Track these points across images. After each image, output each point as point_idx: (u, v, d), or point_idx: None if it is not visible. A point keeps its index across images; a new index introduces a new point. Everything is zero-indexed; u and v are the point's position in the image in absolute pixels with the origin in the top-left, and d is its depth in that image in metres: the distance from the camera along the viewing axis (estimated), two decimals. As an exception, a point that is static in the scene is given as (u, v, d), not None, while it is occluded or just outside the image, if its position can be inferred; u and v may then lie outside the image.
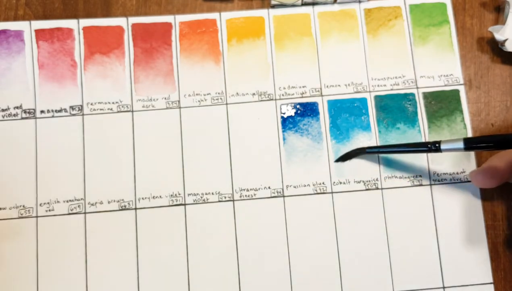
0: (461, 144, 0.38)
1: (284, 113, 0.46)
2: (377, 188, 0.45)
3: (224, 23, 0.47)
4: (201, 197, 0.44)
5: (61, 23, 0.47)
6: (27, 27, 0.47)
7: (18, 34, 0.47)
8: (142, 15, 0.48)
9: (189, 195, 0.44)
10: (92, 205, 0.44)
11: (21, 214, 0.43)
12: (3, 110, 0.45)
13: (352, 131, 0.46)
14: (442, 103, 0.46)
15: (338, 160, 0.44)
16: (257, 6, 0.48)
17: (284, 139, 0.45)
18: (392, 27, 0.48)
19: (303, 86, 0.46)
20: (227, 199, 0.44)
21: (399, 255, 0.43)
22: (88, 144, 0.45)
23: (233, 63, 0.47)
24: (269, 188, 0.44)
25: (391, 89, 0.46)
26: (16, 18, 0.47)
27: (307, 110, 0.46)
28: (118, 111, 0.46)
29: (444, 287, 0.43)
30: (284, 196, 0.44)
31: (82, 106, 0.46)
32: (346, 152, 0.44)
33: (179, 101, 0.46)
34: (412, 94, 0.46)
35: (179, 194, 0.44)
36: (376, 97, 0.46)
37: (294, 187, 0.44)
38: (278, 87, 0.46)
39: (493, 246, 0.43)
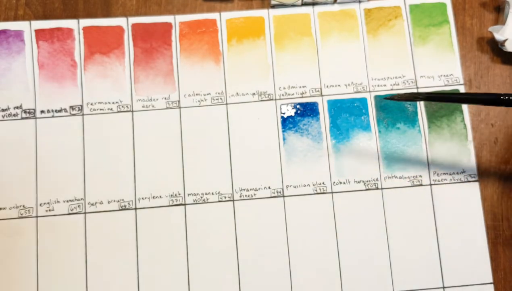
0: None
1: (284, 113, 0.46)
2: (377, 188, 0.45)
3: (224, 23, 0.47)
4: (201, 197, 0.44)
5: (61, 23, 0.47)
6: (27, 27, 0.47)
7: (18, 34, 0.47)
8: (142, 15, 0.48)
9: (189, 195, 0.44)
10: (92, 205, 0.44)
11: (21, 214, 0.43)
12: (3, 110, 0.45)
13: (352, 131, 0.46)
14: (442, 103, 0.46)
15: (387, 98, 0.40)
16: (257, 6, 0.48)
17: (284, 139, 0.45)
18: (392, 27, 0.48)
19: (303, 86, 0.46)
20: (227, 199, 0.44)
21: (399, 255, 0.43)
22: (88, 144, 0.45)
23: (233, 63, 0.47)
24: (269, 188, 0.44)
25: (391, 89, 0.46)
26: (16, 18, 0.47)
27: (307, 110, 0.46)
28: (118, 111, 0.46)
29: (444, 287, 0.43)
30: (284, 196, 0.44)
31: (82, 106, 0.46)
32: (399, 93, 0.39)
33: (179, 101, 0.46)
34: (412, 94, 0.46)
35: (179, 194, 0.44)
36: (376, 97, 0.46)
37: (294, 187, 0.44)
38: (278, 87, 0.46)
39: (493, 246, 0.43)
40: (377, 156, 0.45)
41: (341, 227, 0.44)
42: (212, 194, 0.44)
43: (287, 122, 0.46)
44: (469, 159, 0.45)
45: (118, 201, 0.44)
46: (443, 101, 0.43)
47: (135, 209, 0.44)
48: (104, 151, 0.45)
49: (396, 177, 0.45)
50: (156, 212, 0.44)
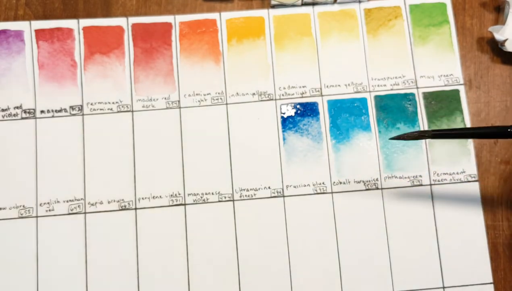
0: None
1: (284, 113, 0.46)
2: (377, 188, 0.45)
3: (224, 23, 0.47)
4: (201, 197, 0.44)
5: (61, 23, 0.47)
6: (27, 27, 0.47)
7: (18, 34, 0.47)
8: (142, 15, 0.48)
9: (189, 195, 0.44)
10: (92, 205, 0.44)
11: (21, 214, 0.43)
12: (3, 110, 0.45)
13: (352, 131, 0.46)
14: (442, 103, 0.46)
15: (394, 138, 0.39)
16: (257, 6, 0.48)
17: (284, 139, 0.45)
18: (392, 27, 0.48)
19: (303, 86, 0.46)
20: (227, 199, 0.44)
21: (399, 255, 0.43)
22: (88, 144, 0.45)
23: (233, 63, 0.47)
24: (269, 188, 0.44)
25: (391, 89, 0.46)
26: (16, 18, 0.47)
27: (307, 110, 0.46)
28: (118, 111, 0.46)
29: (444, 287, 0.43)
30: (284, 196, 0.44)
31: (82, 106, 0.46)
32: (406, 133, 0.39)
33: (179, 101, 0.46)
34: (412, 94, 0.46)
35: (179, 194, 0.44)
36: (376, 97, 0.46)
37: (294, 187, 0.44)
38: (278, 87, 0.46)
39: (493, 246, 0.43)
40: (377, 156, 0.45)
41: (341, 227, 0.44)
42: (212, 194, 0.44)
43: (287, 122, 0.46)
44: (469, 159, 0.45)
45: (118, 201, 0.44)
46: (450, 138, 0.41)
47: (135, 209, 0.44)
48: (104, 151, 0.45)
49: (396, 177, 0.45)
50: (156, 212, 0.44)
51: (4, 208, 0.43)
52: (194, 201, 0.44)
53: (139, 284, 0.43)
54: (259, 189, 0.44)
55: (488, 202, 0.44)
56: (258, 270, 0.43)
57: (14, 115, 0.45)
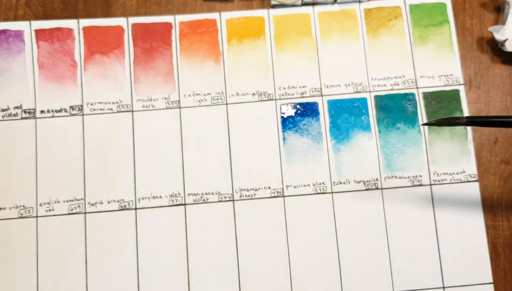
0: None
1: (284, 113, 0.46)
2: (377, 188, 0.45)
3: (224, 23, 0.47)
4: (201, 197, 0.44)
5: (61, 23, 0.47)
6: (27, 27, 0.47)
7: (18, 34, 0.47)
8: (142, 15, 0.48)
9: (189, 195, 0.44)
10: (92, 205, 0.44)
11: (21, 214, 0.43)
12: (3, 110, 0.45)
13: (352, 131, 0.46)
14: (442, 103, 0.46)
15: (427, 124, 0.38)
16: (257, 6, 0.48)
17: (284, 139, 0.45)
18: (392, 27, 0.48)
19: (303, 86, 0.46)
20: (227, 199, 0.44)
21: (399, 255, 0.43)
22: (88, 144, 0.45)
23: (233, 63, 0.47)
24: (269, 188, 0.44)
25: (391, 89, 0.46)
26: (16, 18, 0.47)
27: (307, 110, 0.46)
28: (118, 111, 0.46)
29: (444, 287, 0.43)
30: (284, 196, 0.44)
31: (82, 106, 0.46)
32: (439, 118, 0.37)
33: (179, 101, 0.46)
34: (412, 94, 0.46)
35: (179, 194, 0.44)
36: (376, 97, 0.46)
37: (294, 187, 0.44)
38: (278, 87, 0.46)
39: (493, 246, 0.43)
40: (377, 156, 0.45)
41: (341, 227, 0.44)
42: (212, 194, 0.44)
43: (287, 122, 0.46)
44: (469, 159, 0.45)
45: (118, 201, 0.44)
46: (485, 125, 0.39)
47: (135, 209, 0.44)
48: (104, 150, 0.45)
49: (396, 177, 0.45)
50: (156, 212, 0.44)
51: (4, 208, 0.43)
52: (194, 201, 0.44)
53: (139, 284, 0.43)
54: (259, 189, 0.44)
55: (488, 202, 0.44)
56: (258, 270, 0.43)
57: (14, 115, 0.45)
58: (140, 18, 0.47)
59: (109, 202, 0.44)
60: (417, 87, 0.46)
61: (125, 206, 0.44)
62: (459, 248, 0.43)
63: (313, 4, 0.48)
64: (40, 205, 0.44)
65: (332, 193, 0.44)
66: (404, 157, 0.45)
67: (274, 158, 0.45)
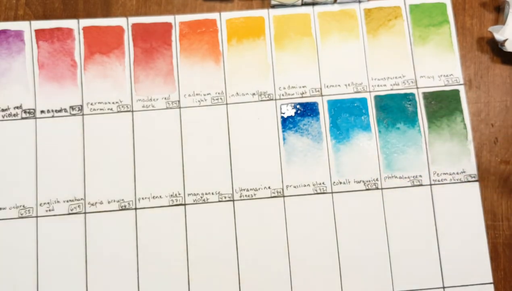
0: None
1: (284, 113, 0.46)
2: (377, 188, 0.45)
3: (224, 23, 0.47)
4: (201, 197, 0.44)
5: (61, 23, 0.47)
6: (27, 27, 0.47)
7: (18, 34, 0.47)
8: (142, 15, 0.48)
9: (189, 195, 0.44)
10: (92, 205, 0.44)
11: (21, 214, 0.43)
12: (3, 110, 0.45)
13: (352, 131, 0.46)
14: (442, 103, 0.46)
15: None
16: (257, 6, 0.48)
17: (284, 139, 0.45)
18: (392, 27, 0.48)
19: (303, 86, 0.46)
20: (227, 199, 0.44)
21: (399, 255, 0.43)
22: (88, 144, 0.45)
23: (233, 63, 0.47)
24: (269, 188, 0.44)
25: (391, 89, 0.46)
26: (16, 18, 0.47)
27: (307, 110, 0.46)
28: (118, 111, 0.46)
29: (444, 287, 0.43)
30: (284, 196, 0.44)
31: (82, 106, 0.46)
32: None
33: (179, 101, 0.46)
34: (412, 94, 0.46)
35: (179, 194, 0.44)
36: (376, 97, 0.46)
37: (294, 187, 0.44)
38: (278, 87, 0.46)
39: (493, 246, 0.43)
40: (377, 156, 0.45)
41: (341, 227, 0.44)
42: (212, 194, 0.44)
43: (287, 122, 0.46)
44: (469, 159, 0.45)
45: (118, 201, 0.44)
46: None
47: (135, 209, 0.44)
48: (104, 151, 0.45)
49: (396, 177, 0.45)
50: (156, 212, 0.44)
51: (4, 208, 0.43)
52: (194, 201, 0.44)
53: (139, 284, 0.43)
54: (259, 189, 0.44)
55: (488, 202, 0.44)
56: (258, 270, 0.43)
57: (14, 115, 0.45)
58: (140, 18, 0.47)
59: (109, 202, 0.44)
60: (417, 87, 0.46)
61: (125, 206, 0.44)
62: (459, 248, 0.43)
63: (313, 4, 0.48)
64: (40, 205, 0.44)
65: (332, 193, 0.44)
66: (404, 157, 0.45)
67: (274, 158, 0.45)
